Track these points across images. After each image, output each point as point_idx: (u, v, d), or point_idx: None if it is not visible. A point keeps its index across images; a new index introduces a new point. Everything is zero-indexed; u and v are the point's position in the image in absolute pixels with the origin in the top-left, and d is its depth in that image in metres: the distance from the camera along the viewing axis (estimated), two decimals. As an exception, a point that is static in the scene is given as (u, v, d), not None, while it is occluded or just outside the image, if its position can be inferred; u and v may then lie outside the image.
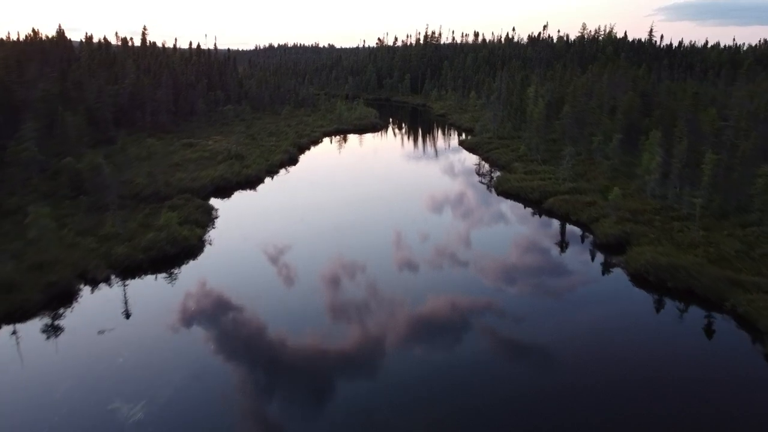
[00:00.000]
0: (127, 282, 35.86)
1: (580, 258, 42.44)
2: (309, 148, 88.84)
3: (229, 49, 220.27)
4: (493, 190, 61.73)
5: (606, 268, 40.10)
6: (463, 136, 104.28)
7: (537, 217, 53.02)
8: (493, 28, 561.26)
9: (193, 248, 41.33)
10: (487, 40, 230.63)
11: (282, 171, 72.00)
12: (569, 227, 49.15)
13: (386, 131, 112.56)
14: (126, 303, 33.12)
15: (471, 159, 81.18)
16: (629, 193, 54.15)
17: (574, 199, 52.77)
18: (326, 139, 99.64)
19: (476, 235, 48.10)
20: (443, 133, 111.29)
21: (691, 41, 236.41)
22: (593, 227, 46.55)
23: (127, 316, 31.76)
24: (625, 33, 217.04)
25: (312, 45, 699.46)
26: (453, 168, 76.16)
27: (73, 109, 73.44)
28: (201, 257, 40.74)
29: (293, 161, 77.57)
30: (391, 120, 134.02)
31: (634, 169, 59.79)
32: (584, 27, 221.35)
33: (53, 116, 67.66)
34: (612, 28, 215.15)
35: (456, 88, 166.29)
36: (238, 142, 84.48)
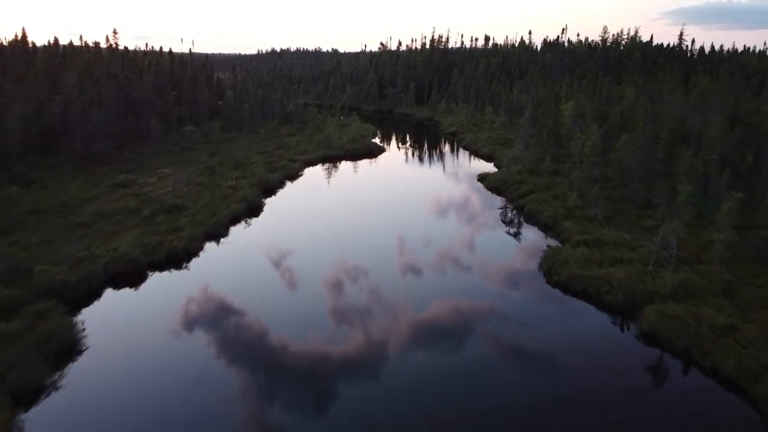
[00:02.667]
0: None
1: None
2: (282, 186, 67.29)
3: (207, 54, 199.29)
4: (542, 274, 39.93)
5: None
6: (481, 164, 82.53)
7: (630, 347, 30.88)
8: (495, 33, 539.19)
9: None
10: (499, 45, 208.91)
11: (236, 228, 50.46)
12: (706, 381, 27.19)
13: (385, 156, 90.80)
14: None
15: (497, 209, 59.18)
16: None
17: (693, 314, 30.86)
18: (309, 170, 78.05)
19: (539, 392, 26.39)
20: (456, 162, 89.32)
21: (721, 46, 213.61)
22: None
23: None
24: (651, 37, 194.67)
25: (314, 49, 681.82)
26: (474, 228, 53.43)
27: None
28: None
29: (254, 211, 55.90)
30: (391, 139, 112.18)
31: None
32: (605, 30, 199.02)
33: None
34: (637, 32, 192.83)
35: (467, 100, 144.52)
36: (186, 181, 63.01)
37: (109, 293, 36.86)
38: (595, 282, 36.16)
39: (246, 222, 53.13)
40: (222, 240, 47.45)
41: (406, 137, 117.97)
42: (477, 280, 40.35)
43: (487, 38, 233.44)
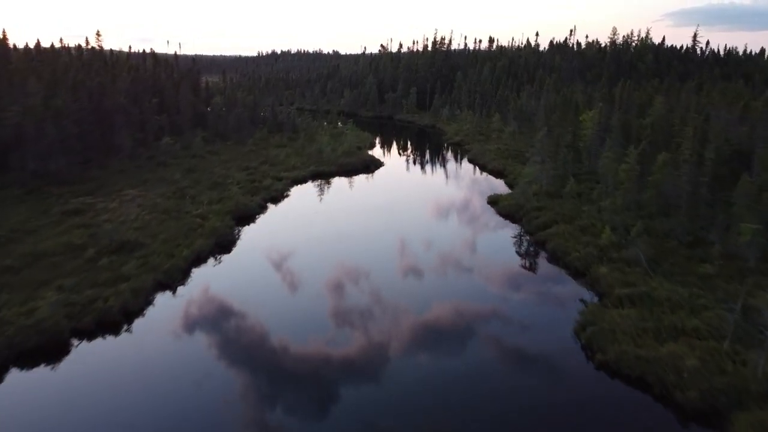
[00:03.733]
0: None
1: None
2: (264, 211, 58.17)
3: (195, 56, 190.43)
4: (580, 347, 30.72)
5: None
6: (491, 180, 73.39)
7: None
8: (496, 35, 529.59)
9: None
10: (503, 47, 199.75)
11: (199, 270, 41.35)
12: None
13: (383, 171, 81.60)
14: None
15: (512, 243, 49.88)
16: None
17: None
18: (297, 189, 68.93)
19: None
20: (461, 178, 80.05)
21: (734, 48, 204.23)
22: None
23: None
24: (663, 39, 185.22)
25: (315, 51, 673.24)
26: (486, 274, 43.41)
27: None
28: None
29: (225, 247, 46.75)
30: (390, 150, 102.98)
31: None
32: (614, 32, 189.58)
33: None
34: (648, 33, 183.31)
35: (472, 106, 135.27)
36: (150, 207, 53.95)
37: (13, 377, 27.81)
38: (656, 368, 26.91)
39: (215, 258, 44.08)
40: (178, 289, 38.28)
41: (406, 147, 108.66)
42: (495, 357, 31.13)
43: (491, 40, 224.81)
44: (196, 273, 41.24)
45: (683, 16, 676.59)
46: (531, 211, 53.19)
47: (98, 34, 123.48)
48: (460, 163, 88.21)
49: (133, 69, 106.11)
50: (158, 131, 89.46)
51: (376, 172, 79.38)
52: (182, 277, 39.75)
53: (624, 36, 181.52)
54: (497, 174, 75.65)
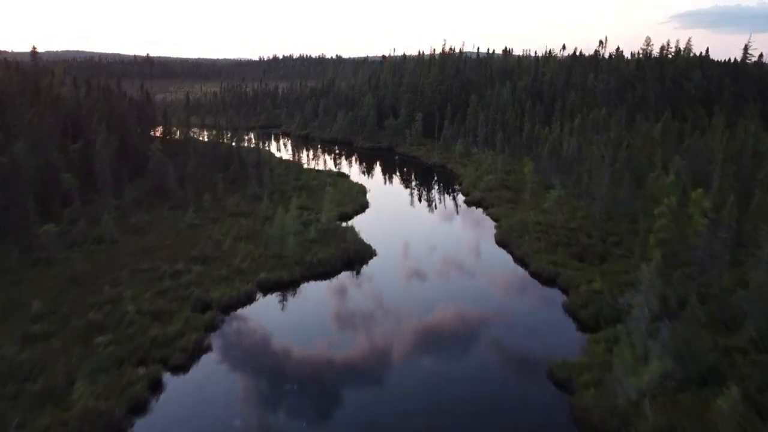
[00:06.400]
0: None
1: None
2: (147, 406, 31.34)
3: (198, 59, 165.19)
4: None
5: None
6: (544, 293, 46.28)
7: None
8: (500, 42, 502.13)
9: None
10: (519, 57, 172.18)
11: None
12: None
13: (373, 267, 54.49)
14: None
15: None
16: None
17: None
18: (227, 324, 42.03)
19: None
20: (495, 292, 52.73)
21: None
22: None
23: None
24: (707, 50, 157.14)
25: (318, 56, 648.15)
26: None
27: None
28: None
29: None
30: (386, 214, 75.61)
31: None
32: (648, 42, 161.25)
33: None
34: (688, 43, 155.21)
35: (490, 139, 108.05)
36: None
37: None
38: None
39: None
40: None
41: (409, 209, 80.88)
42: None
43: (506, 51, 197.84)
44: None
45: (690, 19, 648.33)
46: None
47: (34, 51, 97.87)
48: (484, 244, 60.86)
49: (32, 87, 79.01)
50: (66, 196, 62.90)
51: (362, 271, 52.33)
52: None
53: (663, 47, 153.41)
54: (547, 281, 48.49)
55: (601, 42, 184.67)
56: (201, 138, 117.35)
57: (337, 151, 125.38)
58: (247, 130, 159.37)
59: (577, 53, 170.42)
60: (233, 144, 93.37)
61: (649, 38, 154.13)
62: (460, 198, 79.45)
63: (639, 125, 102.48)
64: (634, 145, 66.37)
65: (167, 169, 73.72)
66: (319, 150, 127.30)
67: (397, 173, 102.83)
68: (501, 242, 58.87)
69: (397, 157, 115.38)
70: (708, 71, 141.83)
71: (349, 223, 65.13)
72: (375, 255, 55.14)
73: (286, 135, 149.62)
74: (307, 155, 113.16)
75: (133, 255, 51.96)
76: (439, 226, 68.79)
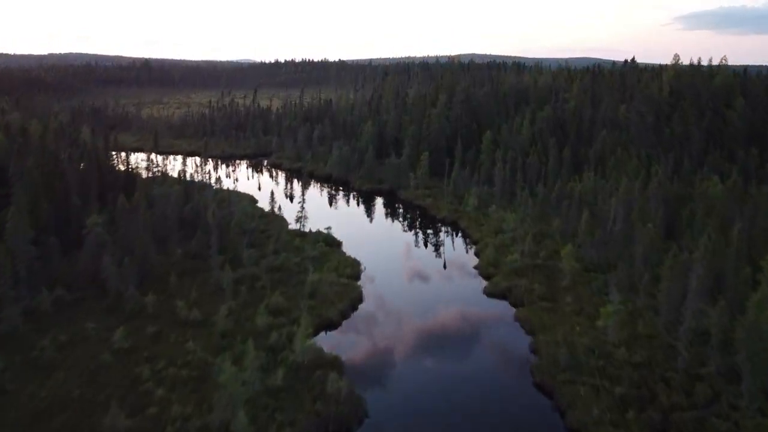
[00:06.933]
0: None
1: None
2: None
3: (201, 61, 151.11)
4: None
5: None
6: None
7: None
8: (503, 43, 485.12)
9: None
10: (536, 80, 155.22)
11: None
12: None
13: None
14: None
15: None
16: None
17: None
18: None
19: None
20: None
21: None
22: None
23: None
24: (746, 70, 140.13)
25: (320, 60, 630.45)
26: None
27: None
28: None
29: None
30: (380, 323, 58.95)
31: None
32: (677, 58, 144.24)
33: None
34: (723, 61, 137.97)
35: (509, 188, 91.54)
36: None
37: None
38: None
39: None
40: None
41: (414, 300, 63.95)
42: None
43: (518, 66, 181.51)
44: None
45: (694, 20, 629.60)
46: None
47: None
48: (519, 385, 44.02)
49: None
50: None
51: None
52: None
53: (695, 63, 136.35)
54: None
55: (626, 61, 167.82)
56: (173, 174, 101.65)
57: (332, 193, 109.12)
58: (235, 160, 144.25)
59: (597, 67, 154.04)
60: (204, 199, 77.06)
61: (678, 55, 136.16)
62: (478, 283, 62.74)
63: (688, 175, 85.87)
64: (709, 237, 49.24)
65: (108, 251, 57.39)
66: (312, 186, 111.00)
67: (400, 232, 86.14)
68: (541, 384, 42.25)
69: (399, 207, 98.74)
70: (751, 96, 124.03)
71: (335, 343, 48.66)
72: (366, 416, 38.62)
73: (276, 167, 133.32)
74: (297, 194, 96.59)
75: (12, 429, 35.65)
76: (456, 340, 51.54)
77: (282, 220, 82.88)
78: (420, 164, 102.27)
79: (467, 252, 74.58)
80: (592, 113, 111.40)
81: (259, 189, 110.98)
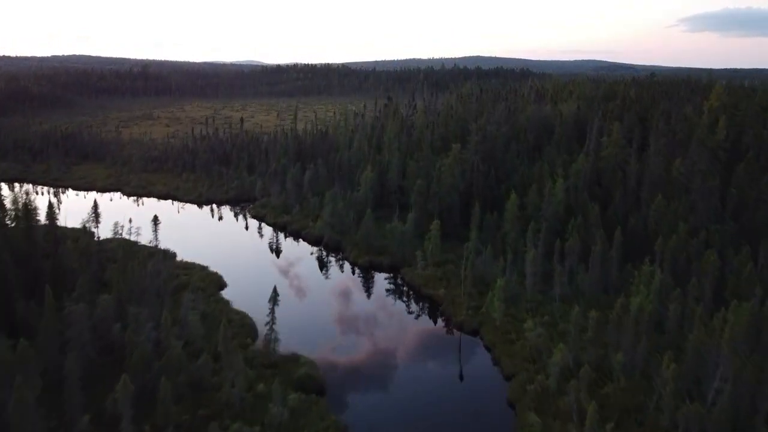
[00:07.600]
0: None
1: None
2: None
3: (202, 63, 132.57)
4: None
5: None
6: None
7: None
8: (503, 42, 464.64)
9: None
10: (560, 110, 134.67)
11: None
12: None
13: None
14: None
15: None
16: None
17: None
18: None
19: None
20: None
21: None
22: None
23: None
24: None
25: (323, 64, 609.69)
26: None
27: None
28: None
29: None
30: None
31: None
32: (713, 78, 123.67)
33: None
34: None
35: (542, 269, 71.86)
36: None
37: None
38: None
39: None
40: None
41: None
42: None
43: (539, 93, 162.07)
44: None
45: (698, 22, 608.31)
46: None
47: None
48: None
49: None
50: None
51: None
52: None
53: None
54: None
55: (652, 74, 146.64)
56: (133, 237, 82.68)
57: (323, 261, 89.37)
58: (213, 204, 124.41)
59: (626, 95, 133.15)
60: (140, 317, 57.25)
61: (720, 83, 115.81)
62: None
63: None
64: None
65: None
66: (298, 250, 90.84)
67: (403, 351, 66.10)
68: None
69: (404, 296, 78.77)
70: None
71: None
72: None
73: (259, 219, 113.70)
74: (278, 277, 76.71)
75: None
76: None
77: (241, 353, 63.02)
78: (430, 236, 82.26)
79: (498, 391, 54.47)
80: (639, 169, 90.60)
81: (231, 258, 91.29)
